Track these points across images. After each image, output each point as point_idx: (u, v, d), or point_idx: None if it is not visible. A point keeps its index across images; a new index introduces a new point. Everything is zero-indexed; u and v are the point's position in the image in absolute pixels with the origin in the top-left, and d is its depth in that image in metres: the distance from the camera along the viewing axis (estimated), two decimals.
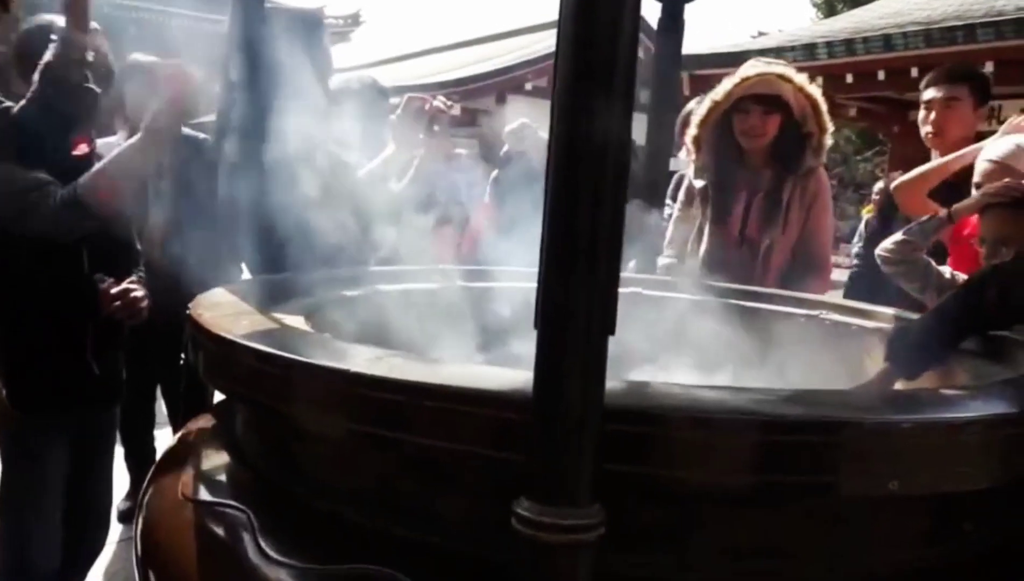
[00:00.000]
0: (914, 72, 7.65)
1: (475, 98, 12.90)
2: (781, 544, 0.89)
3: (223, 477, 1.19)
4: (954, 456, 0.88)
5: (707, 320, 1.78)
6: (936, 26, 7.54)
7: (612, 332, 0.74)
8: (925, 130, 2.73)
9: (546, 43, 13.94)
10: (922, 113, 2.73)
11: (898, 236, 2.17)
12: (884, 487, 0.84)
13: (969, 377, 1.31)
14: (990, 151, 2.40)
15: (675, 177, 3.26)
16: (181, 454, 1.33)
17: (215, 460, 1.25)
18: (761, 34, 10.04)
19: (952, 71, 2.78)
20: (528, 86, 13.38)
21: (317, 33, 1.94)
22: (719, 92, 2.61)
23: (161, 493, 1.23)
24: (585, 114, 0.72)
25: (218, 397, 1.53)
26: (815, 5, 25.64)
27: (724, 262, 2.50)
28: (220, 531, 1.04)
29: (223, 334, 1.08)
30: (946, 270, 2.17)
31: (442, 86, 12.38)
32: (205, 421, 1.45)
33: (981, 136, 2.74)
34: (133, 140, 1.74)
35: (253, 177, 1.65)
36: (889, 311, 1.83)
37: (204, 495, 1.13)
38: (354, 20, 17.53)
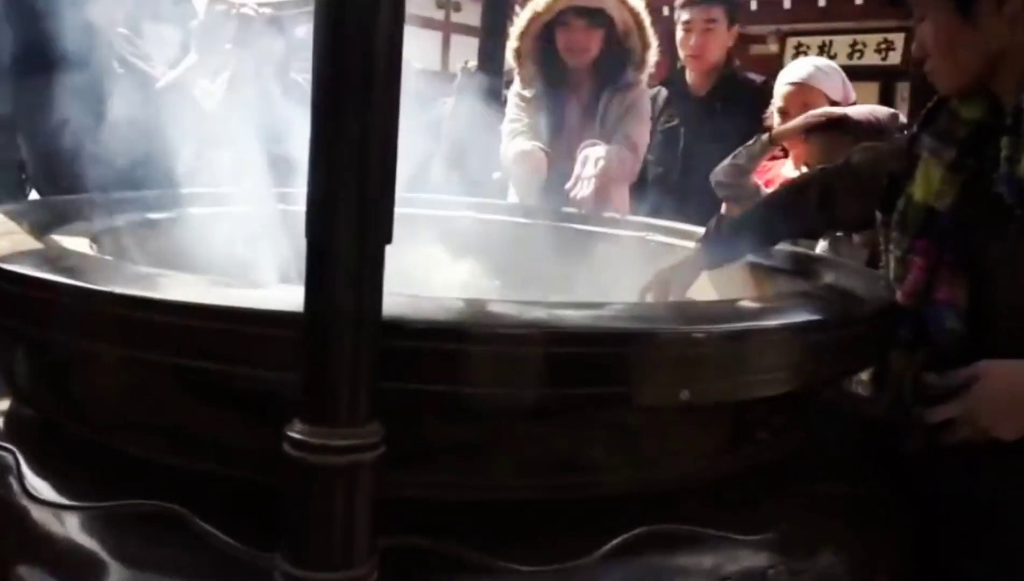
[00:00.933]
0: None
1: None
2: (575, 457, 0.89)
3: None
4: (743, 365, 0.90)
5: (529, 241, 1.77)
6: None
7: (389, 241, 0.69)
8: (684, 52, 2.79)
9: None
10: (681, 34, 2.78)
11: (728, 160, 2.23)
12: (676, 397, 0.85)
13: (768, 290, 1.36)
14: (788, 74, 2.50)
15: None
16: None
17: None
18: None
19: None
20: None
21: None
22: (540, 2, 2.54)
23: None
24: None
25: None
26: None
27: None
28: None
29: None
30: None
31: None
32: None
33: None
34: None
35: (33, 89, 1.48)
36: None
37: None
38: None
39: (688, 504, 0.92)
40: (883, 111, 2.19)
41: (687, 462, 0.96)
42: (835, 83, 2.46)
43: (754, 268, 1.50)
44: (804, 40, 8.27)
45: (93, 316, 0.83)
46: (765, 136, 2.24)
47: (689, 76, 2.84)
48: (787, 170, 2.39)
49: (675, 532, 0.88)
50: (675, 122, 2.80)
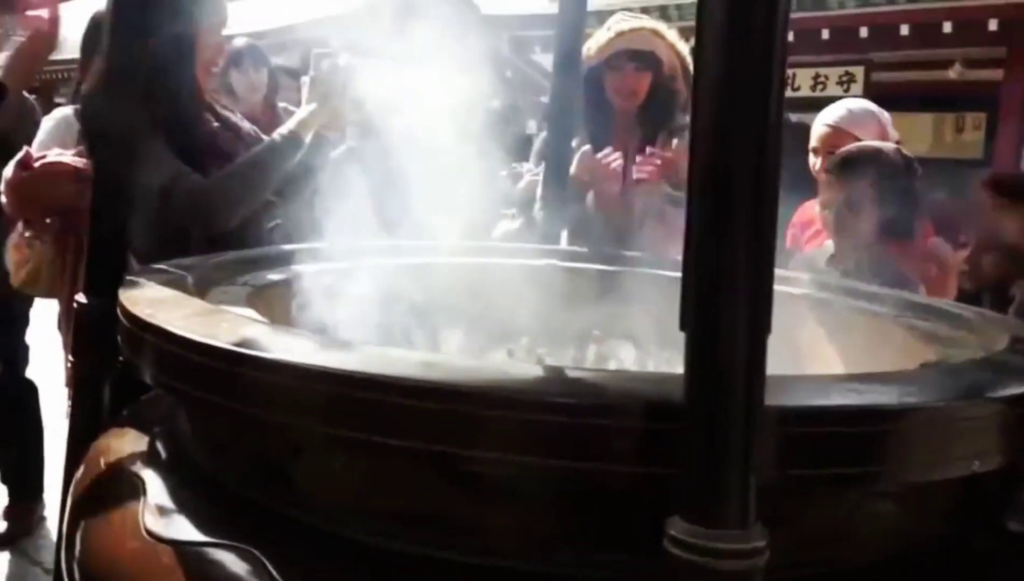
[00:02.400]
0: None
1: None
2: None
3: (192, 506, 1.00)
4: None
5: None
6: None
7: (769, 331, 0.66)
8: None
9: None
10: None
11: None
12: None
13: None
14: (824, 115, 2.56)
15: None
16: (110, 475, 1.11)
17: (166, 484, 1.05)
18: None
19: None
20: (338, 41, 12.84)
21: None
22: (591, 47, 2.56)
23: (103, 527, 1.01)
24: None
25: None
26: None
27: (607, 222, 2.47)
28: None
29: (205, 340, 0.89)
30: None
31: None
32: (122, 435, 1.22)
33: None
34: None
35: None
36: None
37: (183, 532, 0.94)
38: None
39: None
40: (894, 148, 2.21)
41: None
42: (868, 125, 2.51)
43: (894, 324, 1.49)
44: None
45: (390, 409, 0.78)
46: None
47: None
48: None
49: None
50: None
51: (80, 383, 1.34)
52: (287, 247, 1.56)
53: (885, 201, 2.00)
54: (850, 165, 2.09)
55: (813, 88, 8.20)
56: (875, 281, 1.94)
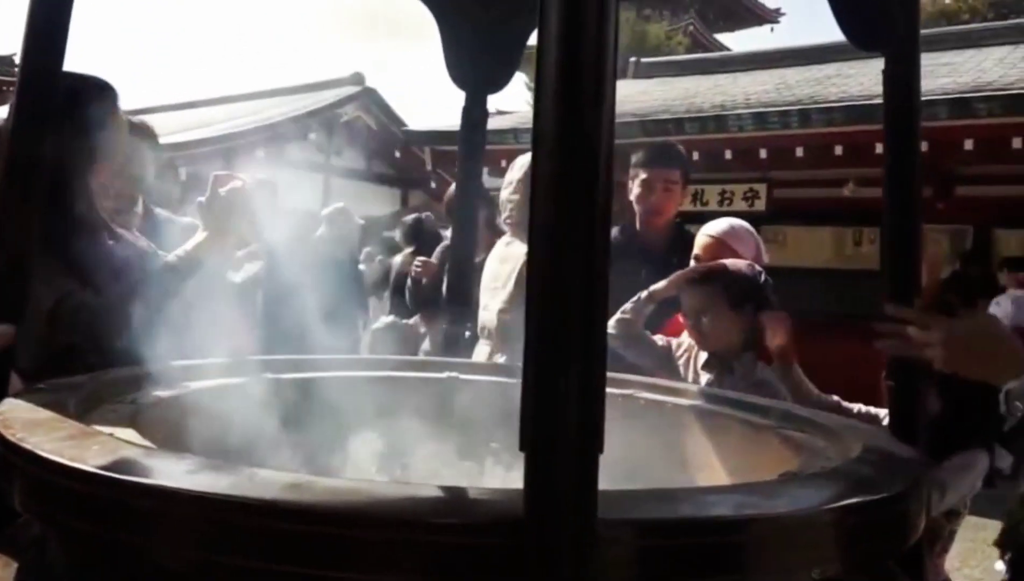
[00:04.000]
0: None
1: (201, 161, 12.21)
2: None
3: None
4: None
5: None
6: (651, 118, 8.46)
7: (601, 451, 0.72)
8: (641, 208, 2.93)
9: (276, 110, 13.66)
10: (637, 190, 2.92)
11: (617, 315, 2.36)
12: None
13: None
14: (710, 227, 2.71)
15: None
16: None
17: None
18: (500, 112, 10.61)
19: (669, 153, 3.03)
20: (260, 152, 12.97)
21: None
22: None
23: None
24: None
25: None
26: (529, 89, 26.90)
27: None
28: None
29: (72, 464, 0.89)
30: (659, 338, 2.40)
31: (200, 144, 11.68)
32: None
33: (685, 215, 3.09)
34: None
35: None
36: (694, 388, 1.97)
37: None
38: None
39: None
40: (746, 263, 2.38)
41: None
42: (747, 244, 2.67)
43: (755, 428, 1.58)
44: None
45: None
46: (645, 292, 2.38)
47: (642, 230, 2.96)
48: None
49: None
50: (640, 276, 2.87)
51: None
52: (179, 363, 1.57)
53: (734, 310, 2.16)
54: (703, 279, 2.25)
55: (720, 203, 8.64)
56: (742, 384, 2.06)
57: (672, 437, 1.71)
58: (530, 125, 0.74)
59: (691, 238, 3.03)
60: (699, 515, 0.85)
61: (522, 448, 0.71)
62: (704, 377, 2.25)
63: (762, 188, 8.59)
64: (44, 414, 1.14)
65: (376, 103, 14.73)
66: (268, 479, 0.89)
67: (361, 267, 5.92)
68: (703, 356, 2.29)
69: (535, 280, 0.72)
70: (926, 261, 1.62)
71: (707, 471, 1.55)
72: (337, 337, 1.87)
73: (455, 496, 0.85)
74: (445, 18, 1.86)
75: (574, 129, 0.71)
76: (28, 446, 0.95)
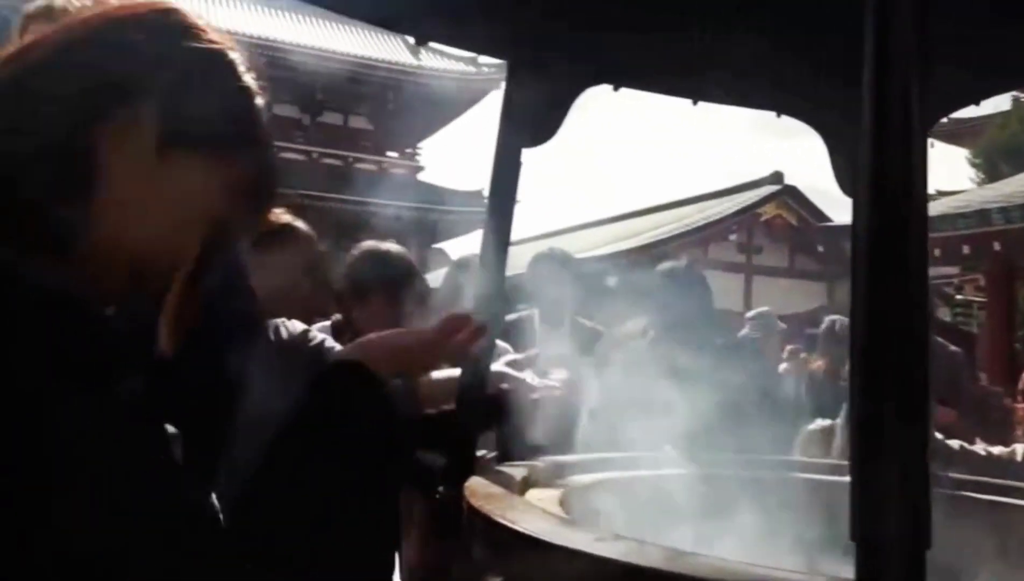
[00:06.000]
0: None
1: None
2: None
3: None
4: None
5: None
6: None
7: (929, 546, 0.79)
8: None
9: (699, 215, 14.28)
10: None
11: None
12: None
13: None
14: None
15: None
16: None
17: None
18: (940, 193, 9.88)
19: None
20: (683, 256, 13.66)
21: None
22: None
23: None
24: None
25: None
26: (973, 165, 23.86)
27: None
28: None
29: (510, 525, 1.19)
30: None
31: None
32: None
33: None
34: None
35: None
36: None
37: None
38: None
39: None
40: None
41: None
42: None
43: None
44: None
45: None
46: None
47: None
48: None
49: None
50: None
51: None
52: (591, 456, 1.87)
53: None
54: None
55: None
56: None
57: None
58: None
59: None
60: None
61: (852, 538, 0.82)
62: None
63: None
64: (496, 489, 1.49)
65: (797, 199, 14.66)
66: (654, 550, 1.09)
67: (784, 366, 5.94)
68: None
69: (858, 374, 0.84)
70: None
71: None
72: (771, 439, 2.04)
73: None
74: (827, 135, 1.97)
75: None
76: (485, 511, 1.28)
